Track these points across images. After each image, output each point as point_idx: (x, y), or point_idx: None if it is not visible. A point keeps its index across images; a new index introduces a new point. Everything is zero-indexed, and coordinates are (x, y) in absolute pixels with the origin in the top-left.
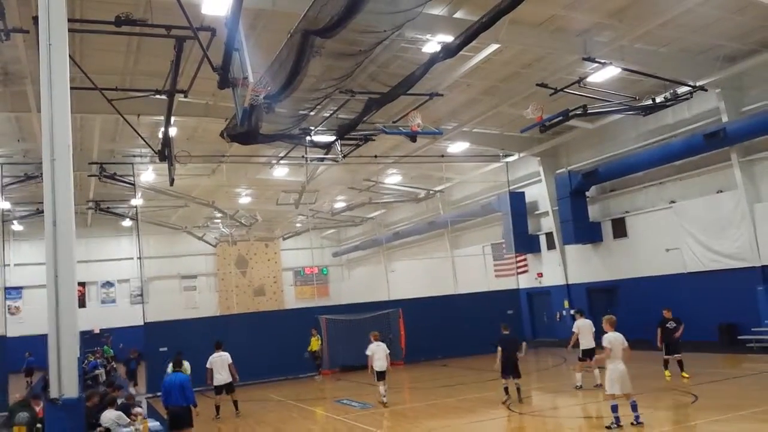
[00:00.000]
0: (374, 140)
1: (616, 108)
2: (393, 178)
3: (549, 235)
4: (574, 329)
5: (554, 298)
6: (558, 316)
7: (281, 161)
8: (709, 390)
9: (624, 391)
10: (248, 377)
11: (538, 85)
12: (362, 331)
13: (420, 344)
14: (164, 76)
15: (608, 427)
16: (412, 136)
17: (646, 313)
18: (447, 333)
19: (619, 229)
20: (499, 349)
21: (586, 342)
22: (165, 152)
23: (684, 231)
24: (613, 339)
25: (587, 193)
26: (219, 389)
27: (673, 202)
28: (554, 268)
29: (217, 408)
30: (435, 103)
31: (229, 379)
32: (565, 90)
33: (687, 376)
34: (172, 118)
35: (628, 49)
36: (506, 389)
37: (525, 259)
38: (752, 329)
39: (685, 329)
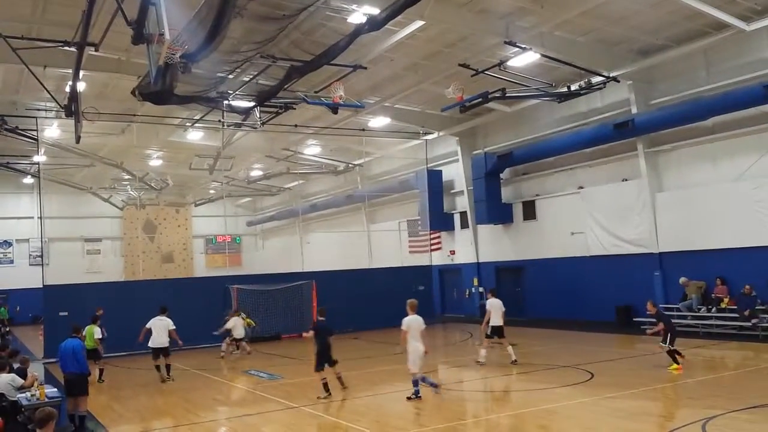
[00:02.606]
0: (294, 109)
1: (533, 93)
2: (312, 149)
3: (463, 214)
4: (488, 307)
5: (465, 275)
6: (467, 293)
7: (196, 124)
8: (605, 368)
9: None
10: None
11: (460, 65)
12: (274, 301)
13: (332, 317)
14: (75, 27)
15: (409, 398)
16: (334, 108)
17: (550, 292)
18: (360, 306)
19: (529, 211)
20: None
21: (496, 320)
22: (72, 108)
23: (589, 216)
24: (412, 321)
25: (501, 175)
26: (156, 352)
27: (581, 187)
28: (466, 246)
29: (157, 368)
30: (358, 76)
31: (167, 344)
32: (486, 72)
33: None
34: (81, 72)
35: (548, 36)
36: (325, 385)
37: (439, 237)
38: (647, 313)
39: (596, 313)
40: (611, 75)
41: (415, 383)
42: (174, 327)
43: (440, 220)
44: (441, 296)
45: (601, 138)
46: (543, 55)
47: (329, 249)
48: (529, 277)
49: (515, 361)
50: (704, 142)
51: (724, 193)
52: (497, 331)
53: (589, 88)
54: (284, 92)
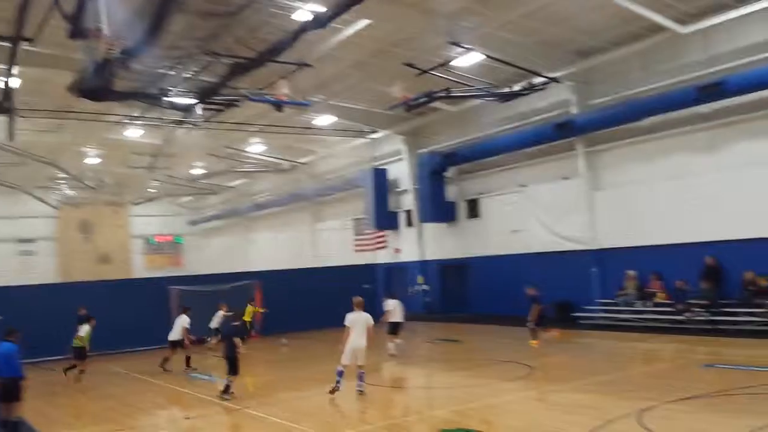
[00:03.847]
0: (238, 106)
1: (476, 93)
2: (256, 147)
3: (408, 213)
4: (388, 308)
5: (410, 273)
6: (411, 290)
7: (135, 121)
8: (544, 363)
9: (356, 362)
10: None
11: (405, 64)
12: (218, 302)
13: (278, 316)
14: (9, 21)
15: (331, 391)
16: (279, 106)
17: (494, 289)
18: (306, 305)
19: (473, 209)
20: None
21: (395, 318)
22: (5, 104)
23: (531, 214)
24: (355, 318)
25: (446, 174)
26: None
27: (523, 186)
28: (412, 244)
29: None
30: (303, 74)
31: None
32: (431, 72)
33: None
34: (15, 68)
35: (491, 37)
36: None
37: (384, 235)
38: (584, 307)
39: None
40: (552, 76)
41: (339, 374)
42: (186, 325)
43: (386, 219)
44: (393, 292)
45: (542, 137)
46: (486, 56)
47: (274, 248)
48: (473, 274)
49: (393, 354)
50: (640, 142)
51: (658, 191)
52: (395, 327)
53: (531, 88)
54: (227, 89)
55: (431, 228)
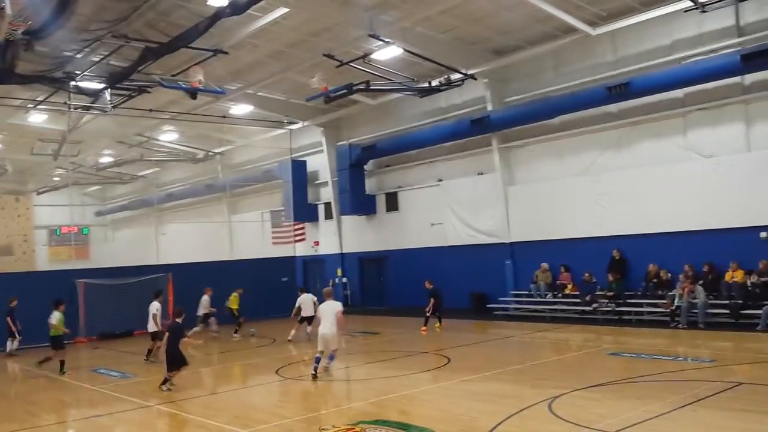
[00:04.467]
0: (150, 93)
1: (396, 87)
2: (169, 136)
3: (327, 205)
4: (299, 302)
5: (328, 266)
6: (330, 283)
7: (39, 106)
8: (460, 353)
9: (326, 348)
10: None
11: (325, 55)
12: (126, 296)
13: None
14: None
15: (313, 375)
16: (192, 93)
17: (412, 282)
18: (221, 299)
19: (392, 202)
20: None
21: (306, 311)
22: None
23: (448, 207)
24: (326, 307)
25: (365, 167)
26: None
27: (440, 180)
28: (330, 237)
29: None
30: (219, 61)
31: (152, 329)
32: (351, 64)
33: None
34: None
35: (410, 32)
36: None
37: (303, 228)
38: (499, 299)
39: (442, 297)
40: (469, 73)
41: (316, 360)
42: (154, 312)
43: (304, 211)
44: (305, 288)
45: (459, 133)
46: (405, 50)
47: (187, 240)
48: (391, 267)
49: (290, 340)
50: (552, 139)
51: (568, 186)
52: (308, 320)
53: (449, 84)
54: (138, 74)
55: (350, 221)
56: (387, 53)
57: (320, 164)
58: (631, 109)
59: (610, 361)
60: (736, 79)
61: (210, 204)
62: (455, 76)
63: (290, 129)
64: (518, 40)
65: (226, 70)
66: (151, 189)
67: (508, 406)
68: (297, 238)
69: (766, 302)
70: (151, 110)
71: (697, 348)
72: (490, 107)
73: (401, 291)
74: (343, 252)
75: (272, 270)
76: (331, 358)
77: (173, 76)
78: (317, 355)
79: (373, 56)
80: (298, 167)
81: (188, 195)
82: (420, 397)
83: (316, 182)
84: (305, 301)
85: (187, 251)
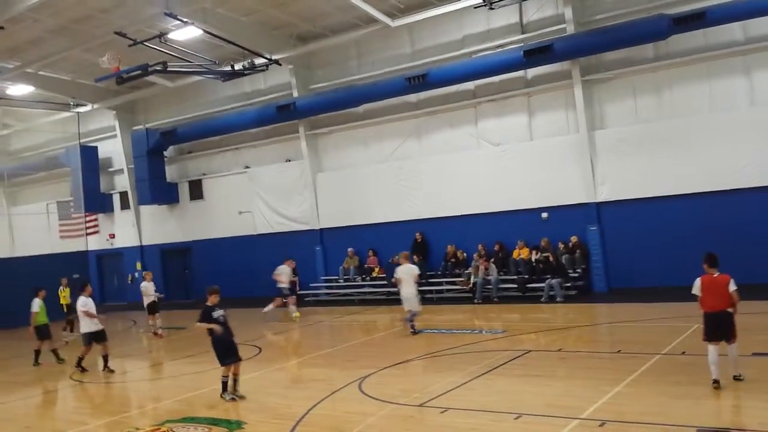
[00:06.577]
0: None
1: (196, 69)
2: None
3: (123, 195)
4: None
5: (127, 259)
6: (130, 278)
7: None
8: (272, 342)
9: (411, 306)
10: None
11: (116, 33)
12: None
13: None
14: None
15: (413, 332)
16: None
17: (220, 272)
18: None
19: (196, 190)
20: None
21: (148, 299)
22: None
23: (256, 195)
24: (404, 270)
25: (165, 153)
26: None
27: (247, 167)
28: (128, 229)
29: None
30: None
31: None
32: (145, 43)
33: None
34: None
35: (210, 13)
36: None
37: (96, 219)
38: (310, 285)
39: (265, 289)
40: (273, 58)
41: (409, 319)
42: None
43: (97, 201)
44: (100, 284)
45: (265, 119)
46: (205, 31)
47: None
48: (197, 258)
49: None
50: (357, 127)
51: (373, 173)
52: (151, 307)
53: (253, 68)
54: None
55: (150, 211)
56: (185, 33)
57: (114, 150)
58: (429, 99)
59: (414, 338)
60: (520, 73)
61: None
62: (259, 61)
63: (78, 112)
64: (322, 27)
65: (1, 47)
66: None
67: (320, 391)
68: (89, 230)
69: (547, 276)
70: None
71: (491, 321)
72: (295, 94)
73: (208, 282)
74: (143, 244)
75: (61, 267)
76: (413, 315)
77: None
78: (407, 316)
79: (171, 36)
80: (88, 153)
81: None
82: None
83: (110, 170)
84: (283, 272)
85: None
